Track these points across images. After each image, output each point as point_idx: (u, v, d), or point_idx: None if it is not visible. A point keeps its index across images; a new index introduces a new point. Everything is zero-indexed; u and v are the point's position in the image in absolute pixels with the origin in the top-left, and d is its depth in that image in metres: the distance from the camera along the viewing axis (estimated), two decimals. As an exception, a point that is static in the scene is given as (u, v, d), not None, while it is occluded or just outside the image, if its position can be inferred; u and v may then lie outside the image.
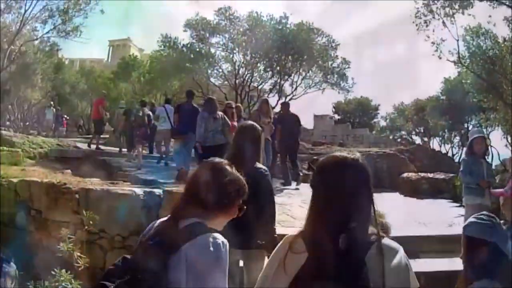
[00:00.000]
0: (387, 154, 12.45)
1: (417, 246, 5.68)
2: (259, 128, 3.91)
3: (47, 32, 19.46)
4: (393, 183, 11.20)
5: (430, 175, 10.87)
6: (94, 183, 8.14)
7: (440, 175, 10.81)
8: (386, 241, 1.66)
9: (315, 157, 12.99)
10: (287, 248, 1.73)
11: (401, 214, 7.79)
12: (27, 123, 27.94)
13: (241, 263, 3.82)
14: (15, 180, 8.23)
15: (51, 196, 7.24)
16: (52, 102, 24.70)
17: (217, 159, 2.19)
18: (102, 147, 16.19)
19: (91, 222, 5.39)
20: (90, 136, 17.81)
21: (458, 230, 6.31)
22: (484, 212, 2.46)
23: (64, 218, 6.97)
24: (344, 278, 1.57)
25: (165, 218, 2.04)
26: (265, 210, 3.62)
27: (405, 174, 11.19)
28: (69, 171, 10.89)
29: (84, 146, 15.80)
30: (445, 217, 7.63)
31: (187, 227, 1.88)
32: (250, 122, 4.28)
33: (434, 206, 8.99)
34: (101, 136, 16.97)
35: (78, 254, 5.39)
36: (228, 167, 2.09)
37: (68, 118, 28.35)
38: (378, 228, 1.67)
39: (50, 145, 14.16)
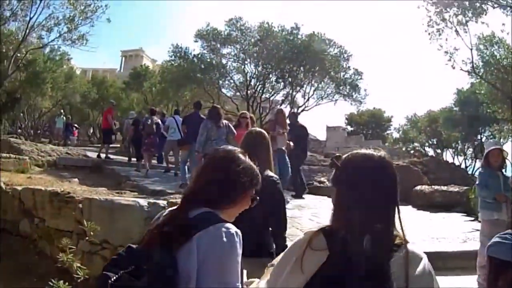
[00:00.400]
0: (400, 167, 12.11)
1: (430, 262, 5.43)
2: (262, 133, 3.79)
3: (52, 40, 19.45)
4: (406, 196, 10.89)
5: (444, 188, 10.61)
6: (99, 192, 8.06)
7: (454, 188, 10.55)
8: (410, 246, 1.60)
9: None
10: (306, 244, 1.61)
11: (413, 228, 7.56)
12: (39, 131, 28.12)
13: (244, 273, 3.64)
14: (19, 188, 8.19)
15: (54, 205, 7.19)
16: (62, 111, 24.87)
17: (230, 147, 2.08)
18: (112, 156, 16.12)
19: (92, 233, 5.22)
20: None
21: (472, 246, 6.11)
22: (509, 231, 2.25)
23: (67, 227, 6.90)
24: (368, 280, 1.50)
25: (174, 207, 1.93)
26: (275, 219, 3.55)
27: (418, 187, 10.93)
28: (76, 180, 10.81)
29: (94, 155, 15.74)
30: (459, 232, 7.40)
31: (199, 216, 1.76)
32: (257, 128, 4.11)
33: (448, 220, 8.71)
34: (112, 145, 16.93)
35: (78, 265, 5.25)
36: (241, 155, 1.98)
37: (78, 127, 28.49)
38: (404, 232, 1.63)
39: (59, 153, 14.13)
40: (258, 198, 2.01)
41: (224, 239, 1.69)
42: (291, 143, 9.71)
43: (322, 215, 8.69)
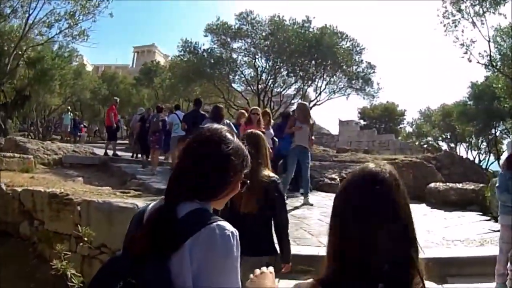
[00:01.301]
0: (413, 163, 11.77)
1: (445, 269, 5.11)
2: (260, 134, 3.66)
3: (53, 36, 19.24)
4: (419, 194, 10.57)
5: (459, 185, 10.22)
6: (102, 192, 7.82)
7: (469, 186, 10.17)
8: None
9: (348, 170, 12.46)
10: None
11: (428, 229, 7.24)
12: (50, 129, 28.13)
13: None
14: (19, 189, 7.98)
15: (53, 207, 7.00)
16: (69, 107, 24.78)
17: (215, 125, 1.77)
18: (120, 153, 15.96)
19: (86, 239, 4.98)
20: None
21: (490, 250, 5.75)
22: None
23: (66, 230, 6.70)
24: None
25: (157, 202, 1.66)
26: (276, 220, 3.50)
27: (432, 184, 10.55)
28: (80, 179, 10.62)
29: (102, 152, 15.55)
30: (475, 234, 7.03)
31: (188, 215, 1.51)
32: (251, 130, 3.93)
33: (463, 220, 8.33)
34: (121, 142, 16.75)
35: (73, 271, 5.04)
36: (229, 134, 1.69)
37: (86, 125, 28.50)
38: (422, 275, 1.24)
39: (66, 151, 13.93)
40: (248, 182, 1.77)
41: (219, 242, 1.47)
42: (313, 138, 9.51)
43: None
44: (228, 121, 9.21)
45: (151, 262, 1.44)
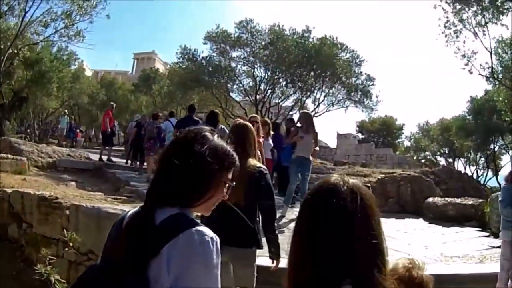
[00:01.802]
0: (411, 177, 11.60)
1: (443, 286, 4.92)
2: (248, 124, 3.65)
3: (48, 36, 19.00)
4: (417, 208, 10.43)
5: (458, 200, 10.06)
6: (94, 198, 7.65)
7: (468, 201, 10.01)
8: None
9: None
10: None
11: (425, 245, 7.08)
12: (48, 132, 27.94)
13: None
14: (9, 190, 7.80)
15: (42, 210, 6.82)
16: (66, 111, 24.56)
17: (196, 127, 1.69)
18: (115, 159, 15.79)
19: (71, 244, 4.80)
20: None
21: (490, 267, 5.59)
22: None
23: (54, 234, 6.49)
24: None
25: (136, 209, 1.59)
26: (262, 211, 3.45)
27: (430, 199, 10.38)
28: (73, 183, 10.44)
29: (97, 157, 15.38)
30: (474, 250, 6.88)
31: (166, 221, 1.44)
32: (243, 121, 3.87)
33: (462, 236, 8.18)
34: (117, 148, 16.58)
35: (57, 277, 4.85)
36: (207, 133, 1.62)
37: (82, 130, 28.31)
38: None
39: (61, 155, 13.76)
40: (234, 184, 1.66)
41: (198, 248, 1.40)
42: (317, 148, 9.23)
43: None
44: (223, 127, 9.11)
45: (129, 270, 1.38)
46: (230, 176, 1.62)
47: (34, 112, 24.45)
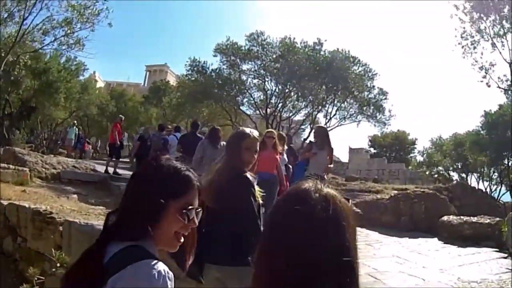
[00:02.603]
0: (425, 194, 11.20)
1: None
2: (240, 132, 3.46)
3: (47, 44, 18.84)
4: (431, 227, 10.02)
5: (474, 219, 9.62)
6: (90, 212, 7.33)
7: (485, 220, 9.57)
8: None
9: (357, 200, 11.95)
10: None
11: (441, 268, 6.65)
12: (59, 142, 27.85)
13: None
14: (5, 202, 7.54)
15: (36, 225, 6.56)
16: (75, 122, 24.44)
17: (152, 155, 1.67)
18: (121, 171, 15.54)
19: (58, 265, 4.47)
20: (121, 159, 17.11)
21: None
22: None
23: (47, 250, 6.16)
24: None
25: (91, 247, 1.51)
26: (244, 223, 3.13)
27: (445, 218, 9.96)
28: (75, 196, 10.17)
29: (103, 169, 15.16)
30: (492, 274, 6.46)
31: (116, 255, 1.38)
32: (240, 129, 3.65)
33: (478, 258, 7.72)
34: (125, 160, 16.38)
35: (43, 298, 4.54)
36: (164, 160, 1.53)
37: (89, 141, 28.16)
38: None
39: (66, 166, 13.53)
40: (201, 208, 1.54)
41: (145, 281, 1.32)
42: (331, 166, 8.65)
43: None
44: (224, 143, 8.75)
45: None
46: (191, 201, 1.49)
47: (43, 122, 24.35)
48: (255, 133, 3.48)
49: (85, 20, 17.50)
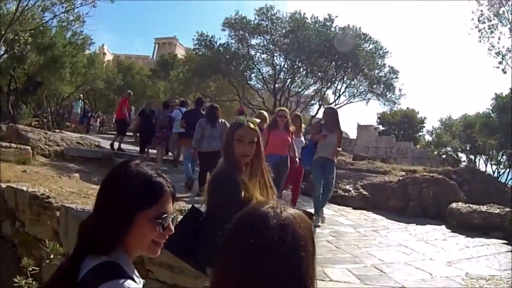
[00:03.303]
0: (435, 179, 10.89)
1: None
2: (234, 122, 3.21)
3: (47, 21, 18.68)
4: (439, 214, 9.76)
5: (483, 208, 9.32)
6: (89, 195, 7.16)
7: (495, 209, 9.27)
8: None
9: (364, 182, 11.71)
10: None
11: (449, 261, 6.41)
12: (66, 116, 27.75)
13: None
14: (3, 185, 7.38)
15: (33, 210, 6.42)
16: (81, 95, 24.27)
17: (125, 160, 1.62)
18: (128, 147, 15.48)
19: (52, 257, 4.29)
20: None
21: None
22: None
23: (45, 236, 5.99)
24: None
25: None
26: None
27: (454, 205, 9.67)
28: (77, 175, 10.03)
29: (108, 144, 15.01)
30: (501, 269, 6.20)
31: (88, 273, 1.35)
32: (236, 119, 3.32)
33: (487, 251, 7.43)
34: (130, 134, 16.29)
35: (37, 291, 4.36)
36: (133, 167, 1.47)
37: (94, 115, 28.02)
38: None
39: (70, 142, 13.37)
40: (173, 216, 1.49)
41: None
42: (339, 149, 8.30)
43: (344, 234, 7.63)
44: (223, 121, 8.85)
45: None
46: (165, 209, 1.44)
47: (49, 96, 24.20)
48: (255, 120, 3.17)
49: (85, -5, 17.12)
